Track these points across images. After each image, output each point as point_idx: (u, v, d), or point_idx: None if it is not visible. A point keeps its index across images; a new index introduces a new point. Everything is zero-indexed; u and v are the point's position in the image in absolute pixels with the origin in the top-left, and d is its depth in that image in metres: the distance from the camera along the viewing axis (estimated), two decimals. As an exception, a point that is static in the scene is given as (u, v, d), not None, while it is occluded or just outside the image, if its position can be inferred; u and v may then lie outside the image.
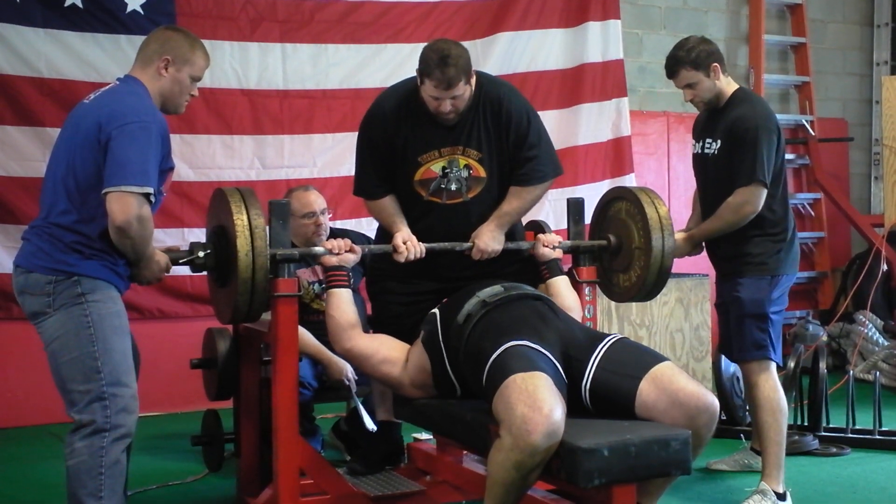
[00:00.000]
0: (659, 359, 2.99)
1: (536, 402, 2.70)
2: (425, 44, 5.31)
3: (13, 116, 5.16)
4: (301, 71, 5.76)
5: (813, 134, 7.39)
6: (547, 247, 3.58)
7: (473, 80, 3.37)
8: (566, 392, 2.91)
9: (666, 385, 2.89)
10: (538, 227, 3.85)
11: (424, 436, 4.04)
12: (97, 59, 5.28)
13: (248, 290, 3.08)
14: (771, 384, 3.81)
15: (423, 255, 3.42)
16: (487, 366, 2.93)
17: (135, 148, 2.88)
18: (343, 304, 3.32)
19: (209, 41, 5.45)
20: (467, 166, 3.45)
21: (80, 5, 5.23)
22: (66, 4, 5.19)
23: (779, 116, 7.25)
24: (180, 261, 3.18)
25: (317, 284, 4.28)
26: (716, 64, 3.88)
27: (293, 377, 3.28)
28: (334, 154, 5.84)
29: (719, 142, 3.88)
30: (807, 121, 7.42)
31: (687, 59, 3.87)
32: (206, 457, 4.01)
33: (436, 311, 3.31)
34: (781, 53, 7.62)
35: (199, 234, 5.47)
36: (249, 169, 5.65)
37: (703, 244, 4.01)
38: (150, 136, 2.91)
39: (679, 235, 3.89)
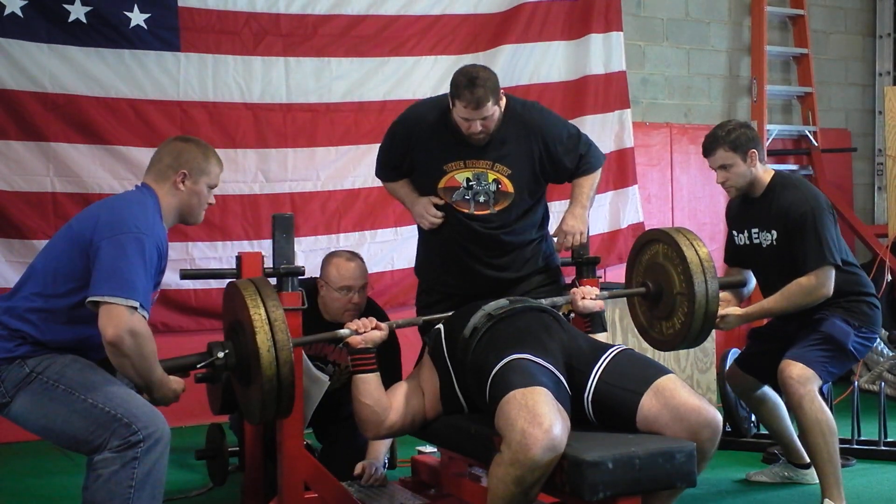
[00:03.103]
0: (662, 371, 2.99)
1: (536, 417, 2.70)
2: (428, 57, 5.33)
3: (17, 131, 5.17)
4: (304, 84, 5.77)
5: (816, 144, 7.39)
6: (586, 298, 3.47)
7: (503, 102, 3.52)
8: (570, 404, 2.92)
9: (668, 399, 2.89)
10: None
11: (428, 449, 4.03)
12: (101, 73, 5.29)
13: (274, 387, 2.87)
14: (817, 405, 3.76)
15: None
16: (489, 380, 2.93)
17: (124, 259, 2.79)
18: (374, 390, 3.17)
19: (213, 55, 5.53)
20: (496, 181, 3.57)
21: (84, 20, 5.23)
22: (70, 20, 5.20)
23: (781, 127, 7.34)
24: (199, 365, 3.03)
25: None
26: (754, 150, 3.88)
27: (297, 391, 3.27)
28: (338, 167, 5.85)
29: (775, 232, 3.88)
30: (810, 131, 7.42)
31: (726, 139, 3.88)
32: (211, 471, 4.01)
33: (440, 326, 3.32)
34: (784, 64, 7.62)
35: (202, 248, 5.50)
36: (253, 182, 5.66)
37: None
38: (142, 249, 2.83)
39: (733, 310, 3.88)
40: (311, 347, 3.84)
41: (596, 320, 3.48)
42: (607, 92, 6.52)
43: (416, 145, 3.62)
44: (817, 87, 7.53)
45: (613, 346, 3.13)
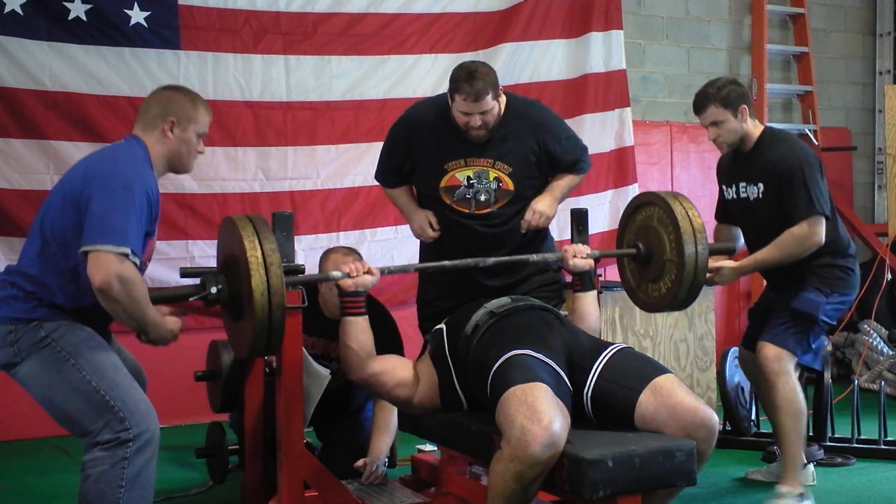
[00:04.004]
0: (660, 370, 3.00)
1: (536, 413, 2.70)
2: (428, 55, 5.25)
3: (17, 129, 5.16)
4: (304, 82, 5.77)
5: (816, 143, 7.38)
6: (577, 256, 3.51)
7: (503, 99, 3.52)
8: (570, 400, 2.92)
9: (665, 398, 2.90)
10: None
11: (428, 447, 4.04)
12: (101, 71, 5.29)
13: (265, 329, 2.92)
14: (790, 386, 3.80)
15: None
16: (490, 376, 2.94)
17: (114, 207, 2.80)
18: (360, 334, 3.25)
19: (213, 53, 5.52)
20: (497, 179, 3.56)
21: (85, 18, 5.23)
22: (70, 17, 5.20)
23: (781, 126, 7.31)
24: (191, 298, 3.06)
25: None
26: (744, 106, 3.89)
27: (297, 389, 3.28)
28: (338, 165, 5.85)
29: (761, 185, 3.89)
30: (810, 130, 7.42)
31: (717, 96, 3.89)
32: (211, 469, 4.01)
33: (442, 325, 3.33)
34: (784, 63, 7.62)
35: (203, 247, 5.49)
36: (253, 180, 5.66)
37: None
38: (132, 197, 2.82)
39: (727, 263, 3.88)
40: (315, 346, 3.87)
41: (586, 279, 3.51)
42: (607, 90, 6.53)
43: (416, 145, 3.61)
44: (817, 85, 7.53)
45: (613, 343, 3.15)
